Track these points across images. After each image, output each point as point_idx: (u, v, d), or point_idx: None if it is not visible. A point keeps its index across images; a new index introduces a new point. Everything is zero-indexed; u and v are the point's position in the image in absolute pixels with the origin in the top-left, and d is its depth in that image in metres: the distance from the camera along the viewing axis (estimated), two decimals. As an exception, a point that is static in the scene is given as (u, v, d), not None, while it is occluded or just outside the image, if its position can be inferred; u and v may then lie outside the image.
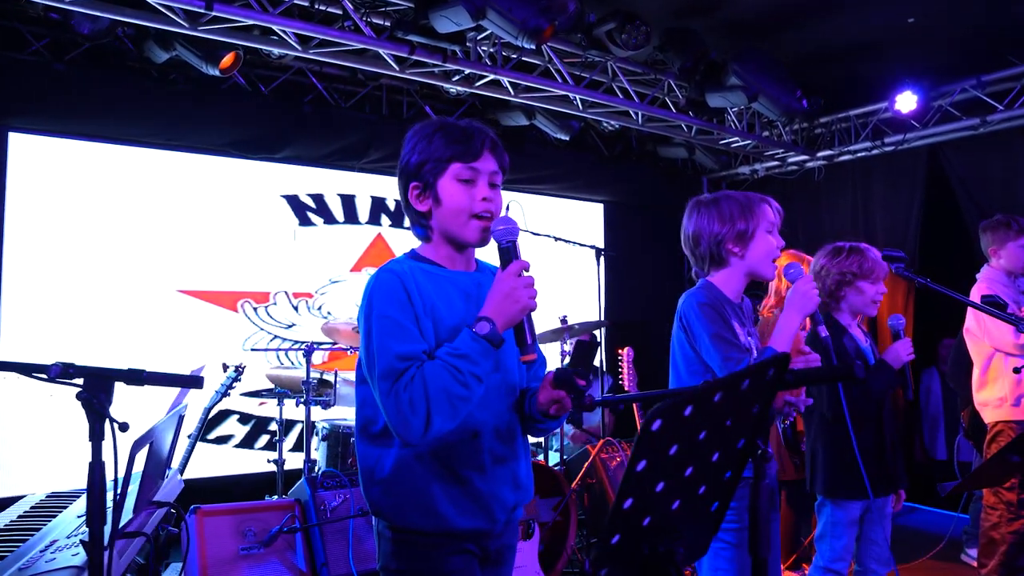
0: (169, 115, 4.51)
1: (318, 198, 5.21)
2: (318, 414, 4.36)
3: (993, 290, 3.65)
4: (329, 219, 5.24)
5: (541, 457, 4.11)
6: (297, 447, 4.84)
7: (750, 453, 1.05)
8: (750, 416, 1.00)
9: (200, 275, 4.74)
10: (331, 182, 5.26)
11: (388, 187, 5.48)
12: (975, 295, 3.70)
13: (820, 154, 6.23)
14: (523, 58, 4.58)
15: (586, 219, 6.55)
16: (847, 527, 2.52)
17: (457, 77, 4.50)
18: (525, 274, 1.54)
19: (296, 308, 5.06)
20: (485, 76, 4.47)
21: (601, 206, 6.65)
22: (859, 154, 6.10)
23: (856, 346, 2.65)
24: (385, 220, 5.47)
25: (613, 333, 6.47)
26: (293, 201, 5.11)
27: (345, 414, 4.22)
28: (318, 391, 3.99)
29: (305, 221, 5.15)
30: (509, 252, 1.56)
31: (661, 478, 0.90)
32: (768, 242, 2.11)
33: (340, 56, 4.20)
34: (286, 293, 5.03)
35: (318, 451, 4.27)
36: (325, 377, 4.06)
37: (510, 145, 5.85)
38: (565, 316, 4.28)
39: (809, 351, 2.10)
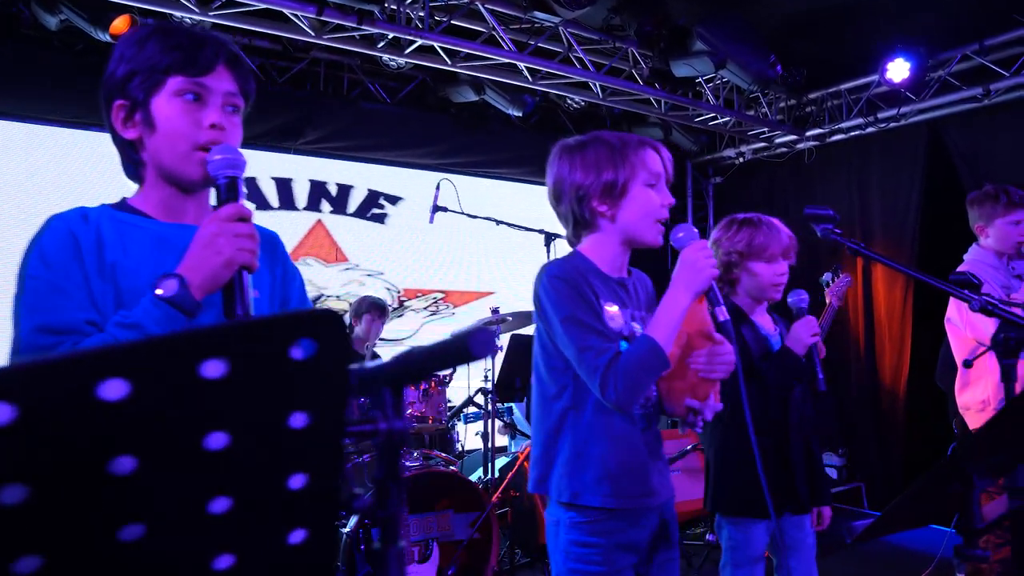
0: (75, 90, 4.14)
1: (250, 182, 4.82)
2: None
3: (978, 273, 3.11)
4: (262, 205, 4.86)
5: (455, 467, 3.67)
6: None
7: (331, 497, 0.60)
8: (283, 433, 0.56)
9: (115, 264, 4.39)
10: (265, 165, 4.88)
11: (328, 170, 5.08)
12: (958, 280, 3.17)
13: (810, 133, 5.68)
14: (462, 24, 4.15)
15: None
16: (749, 553, 2.07)
17: (383, 43, 4.08)
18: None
19: (224, 300, 4.68)
20: (415, 41, 4.05)
21: (573, 192, 6.17)
22: (852, 132, 5.55)
23: (757, 334, 2.18)
24: (326, 206, 5.07)
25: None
26: (222, 184, 4.73)
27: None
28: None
29: (235, 206, 4.77)
30: (226, 190, 1.17)
31: (28, 551, 0.47)
32: (648, 198, 1.60)
33: (250, 20, 3.82)
34: (213, 284, 4.66)
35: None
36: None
37: (466, 125, 5.47)
38: (497, 308, 3.84)
39: (722, 340, 1.60)
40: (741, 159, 6.29)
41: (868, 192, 5.62)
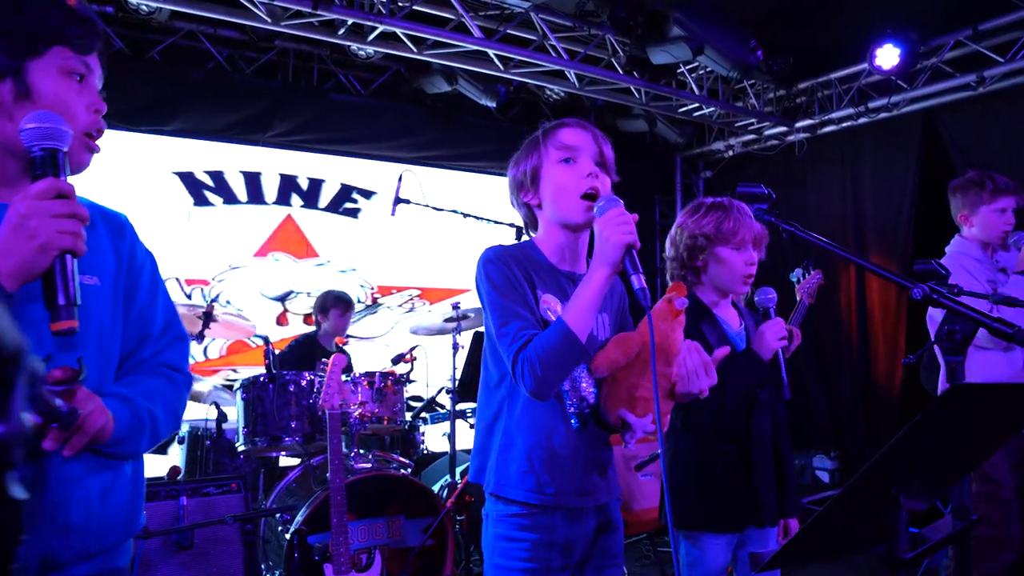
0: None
1: (217, 175, 4.70)
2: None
3: (962, 265, 2.92)
4: (230, 198, 4.73)
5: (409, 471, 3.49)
6: (158, 449, 4.30)
7: None
8: None
9: (75, 259, 4.27)
10: (233, 158, 4.75)
11: (299, 163, 4.95)
12: (940, 273, 2.97)
13: (800, 124, 5.48)
14: (428, 10, 4.00)
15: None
16: (709, 570, 1.90)
17: (343, 30, 3.93)
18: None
19: (189, 296, 4.56)
20: (377, 28, 3.90)
21: (556, 187, 6.00)
22: (844, 123, 5.34)
23: (721, 332, 1.99)
24: (296, 200, 4.94)
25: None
26: (187, 178, 4.62)
27: (211, 414, 3.69)
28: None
29: (201, 200, 4.65)
30: (42, 164, 1.04)
31: None
32: (560, 174, 1.52)
33: (205, 6, 3.69)
34: (177, 280, 4.54)
35: (177, 455, 3.77)
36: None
37: (442, 117, 5.31)
38: (458, 303, 3.68)
39: (682, 362, 1.45)
40: (731, 152, 6.09)
41: (861, 184, 5.42)
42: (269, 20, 3.73)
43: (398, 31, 3.94)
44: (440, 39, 4.08)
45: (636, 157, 6.10)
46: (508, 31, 4.23)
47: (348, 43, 4.06)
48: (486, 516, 1.55)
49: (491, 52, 4.26)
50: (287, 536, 2.91)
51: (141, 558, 2.58)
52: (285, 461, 3.87)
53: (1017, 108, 4.52)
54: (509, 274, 1.49)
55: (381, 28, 3.85)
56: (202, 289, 4.61)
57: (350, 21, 3.80)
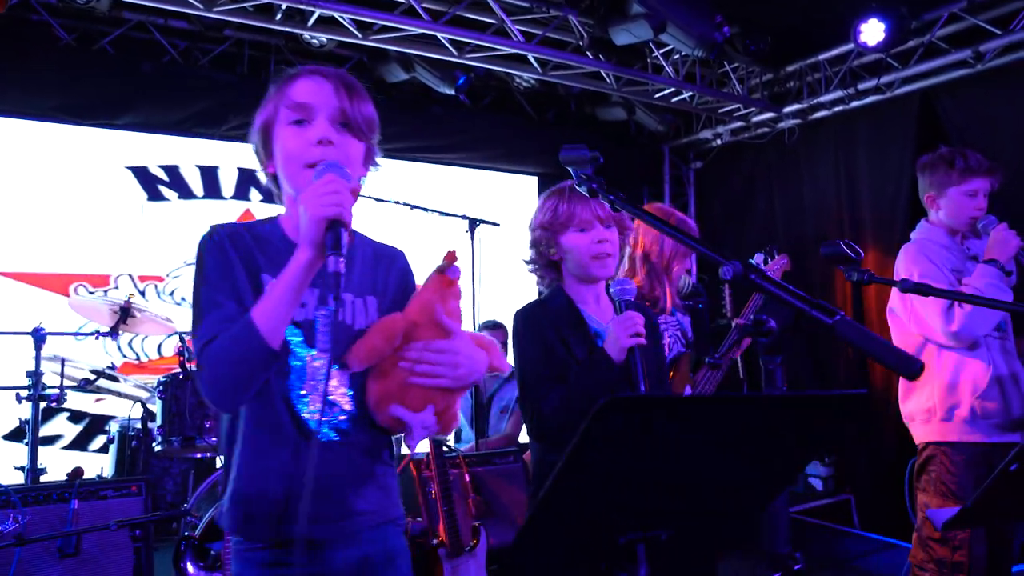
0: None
1: (172, 170, 4.60)
2: (115, 410, 3.74)
3: (925, 252, 2.62)
4: (185, 193, 4.62)
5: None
6: (105, 448, 4.21)
7: None
8: None
9: (24, 255, 4.20)
10: (189, 152, 4.64)
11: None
12: (900, 260, 2.69)
13: (788, 109, 5.14)
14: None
15: (516, 193, 5.69)
16: None
17: (279, 15, 3.77)
18: None
19: (143, 293, 4.46)
20: (314, 12, 3.73)
21: (535, 179, 5.77)
22: (836, 107, 4.99)
23: (584, 334, 1.73)
24: (255, 195, 4.81)
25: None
26: (141, 173, 4.52)
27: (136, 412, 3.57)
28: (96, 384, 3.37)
29: (155, 195, 4.55)
30: None
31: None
32: (292, 140, 1.25)
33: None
34: (130, 276, 4.44)
35: (108, 455, 3.67)
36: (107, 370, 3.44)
37: (409, 107, 5.12)
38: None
39: (455, 332, 1.26)
40: (719, 141, 5.77)
41: (856, 170, 5.06)
42: (201, 7, 3.59)
43: (336, 15, 3.76)
44: (387, 23, 3.89)
45: (619, 147, 5.83)
46: (468, 16, 4.03)
47: (287, 28, 3.90)
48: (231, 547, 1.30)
49: (441, 36, 4.06)
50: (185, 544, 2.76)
51: (18, 566, 2.46)
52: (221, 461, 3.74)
53: (1020, 84, 4.14)
54: (220, 258, 1.25)
55: (319, 12, 3.68)
56: (156, 286, 4.51)
57: (284, 5, 3.64)
